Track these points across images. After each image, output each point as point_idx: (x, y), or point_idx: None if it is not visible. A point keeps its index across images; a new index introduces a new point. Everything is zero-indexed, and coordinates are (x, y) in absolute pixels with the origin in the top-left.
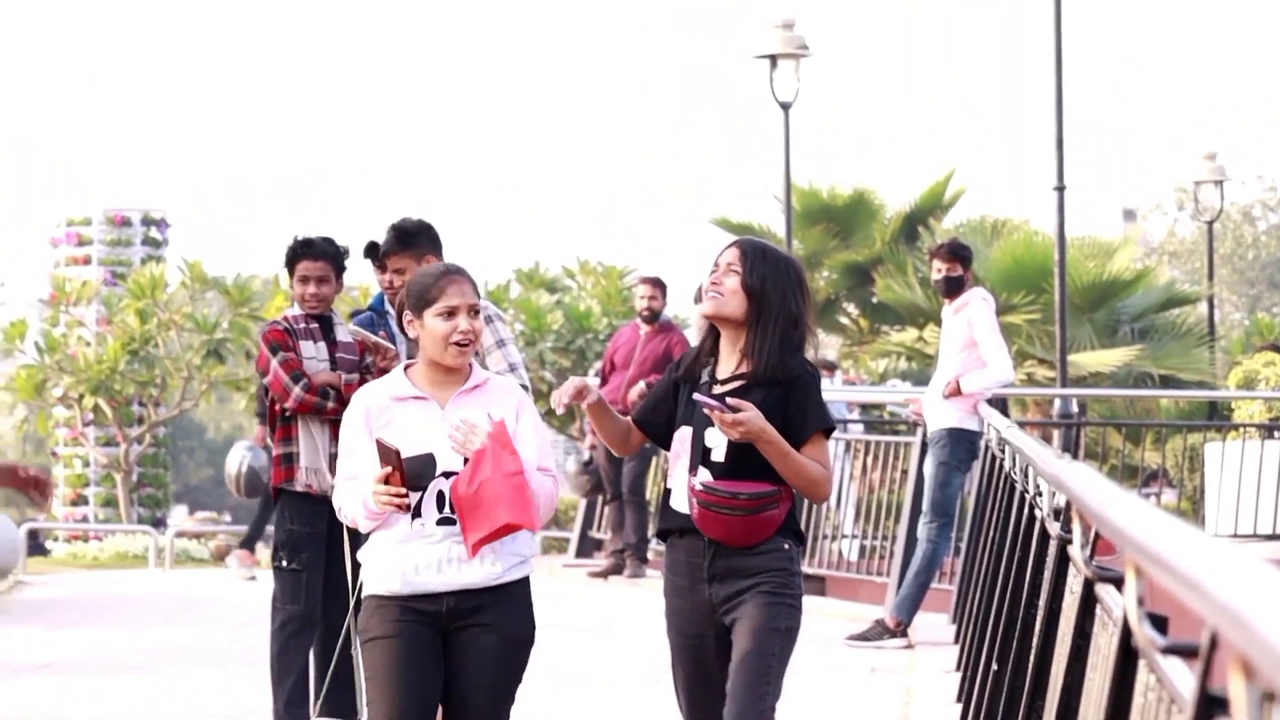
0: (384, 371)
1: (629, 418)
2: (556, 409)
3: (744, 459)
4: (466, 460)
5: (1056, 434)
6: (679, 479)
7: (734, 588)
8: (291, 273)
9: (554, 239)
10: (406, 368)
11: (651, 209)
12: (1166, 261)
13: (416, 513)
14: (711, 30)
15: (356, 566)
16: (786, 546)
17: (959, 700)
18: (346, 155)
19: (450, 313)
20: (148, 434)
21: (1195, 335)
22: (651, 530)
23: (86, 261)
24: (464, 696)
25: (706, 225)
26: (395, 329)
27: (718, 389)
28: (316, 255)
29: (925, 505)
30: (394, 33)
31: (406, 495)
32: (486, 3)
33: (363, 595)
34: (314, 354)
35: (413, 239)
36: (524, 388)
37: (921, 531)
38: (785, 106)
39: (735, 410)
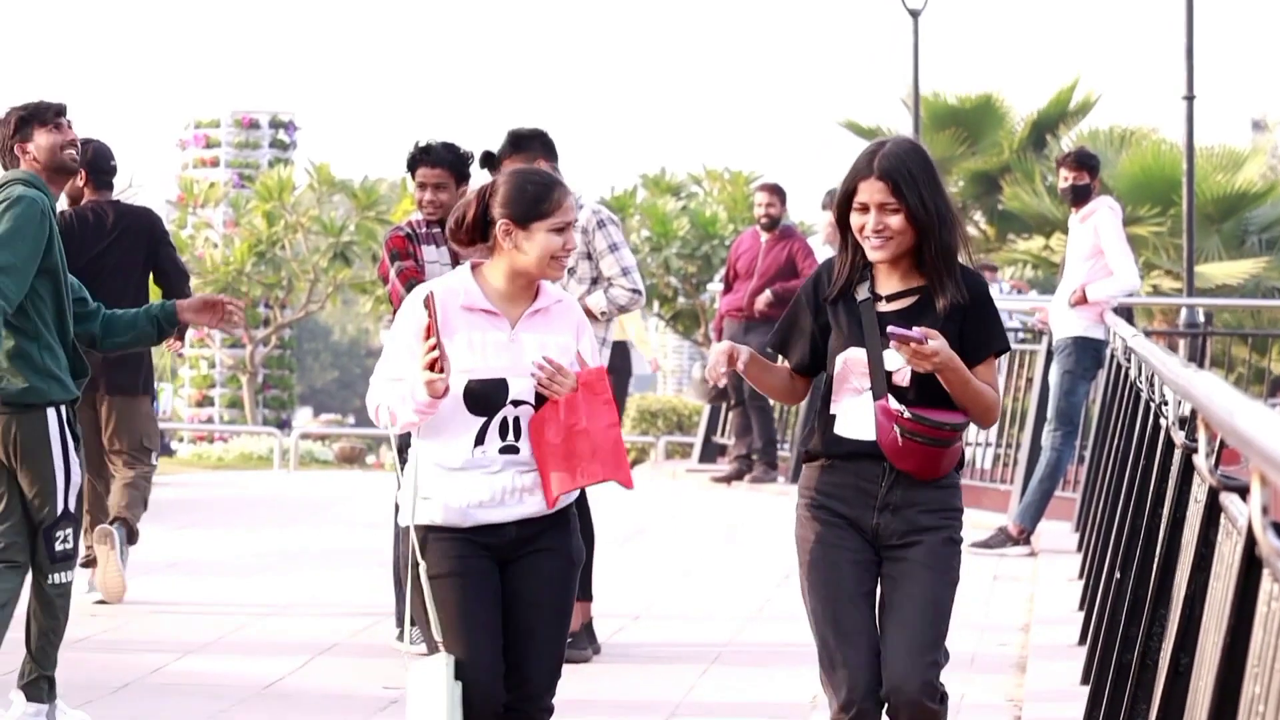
0: None
1: (783, 364)
2: (712, 381)
3: (928, 384)
4: (540, 396)
5: (1182, 343)
6: (853, 404)
7: (908, 523)
8: (412, 178)
9: (681, 144)
10: (475, 266)
11: (779, 114)
12: None
13: (479, 440)
14: None
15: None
16: (958, 480)
17: (1081, 608)
18: (476, 60)
19: (563, 227)
20: (273, 336)
21: None
22: (788, 448)
23: (214, 164)
24: (529, 622)
25: (835, 128)
26: None
27: (884, 306)
28: (434, 162)
29: (1050, 413)
30: None
31: (440, 353)
32: None
33: (415, 523)
34: (436, 258)
35: (526, 143)
36: (636, 291)
37: (1046, 439)
38: (914, 13)
39: (921, 341)
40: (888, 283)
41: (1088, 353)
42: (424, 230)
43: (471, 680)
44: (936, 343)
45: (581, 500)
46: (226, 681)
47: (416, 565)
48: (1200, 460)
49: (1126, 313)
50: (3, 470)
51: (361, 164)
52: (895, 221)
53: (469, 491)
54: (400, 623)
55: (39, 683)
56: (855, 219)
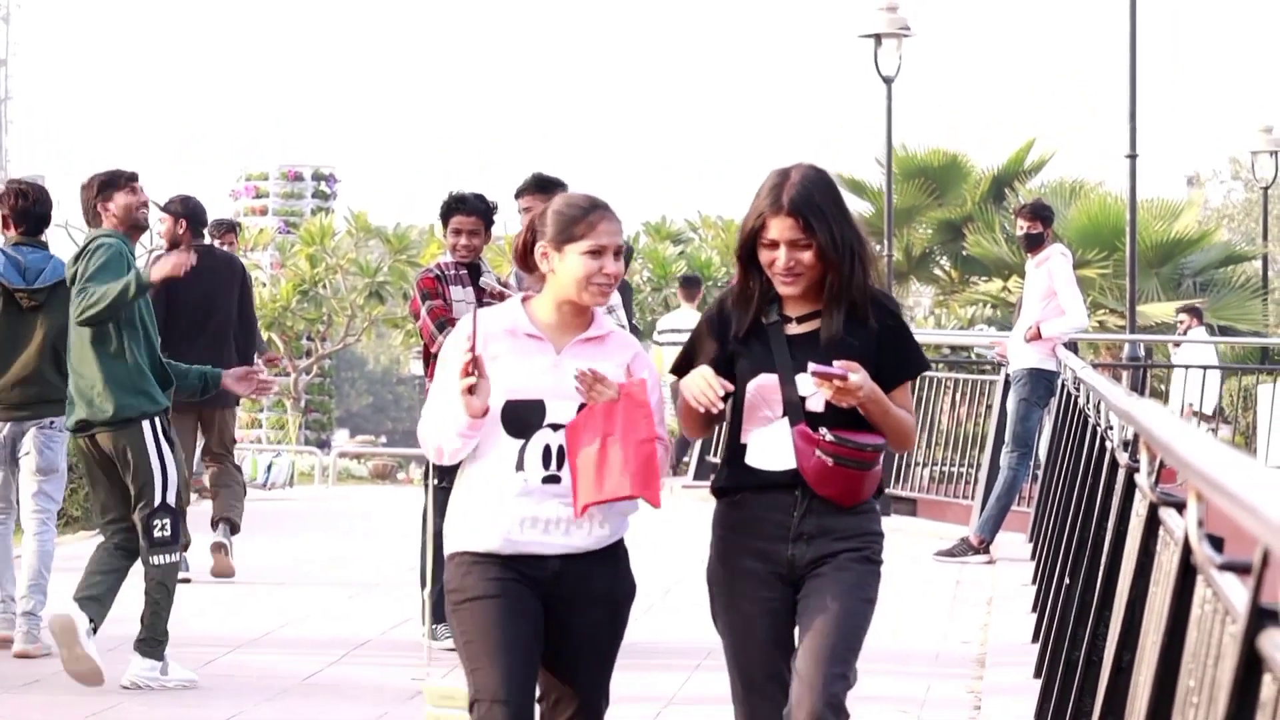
0: None
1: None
2: (716, 410)
3: (838, 409)
4: (581, 409)
5: (1125, 375)
6: (765, 433)
7: (824, 549)
8: (446, 225)
9: (679, 195)
10: (525, 299)
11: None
12: (1224, 225)
13: (519, 465)
14: (822, 10)
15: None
16: (877, 506)
17: (1034, 610)
18: (496, 117)
19: (598, 252)
20: (315, 365)
21: (1250, 289)
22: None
23: (263, 212)
24: (573, 666)
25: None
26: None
27: (794, 329)
28: (469, 210)
29: (1007, 436)
30: (541, 6)
31: (477, 372)
32: None
33: (449, 550)
34: (462, 297)
35: (549, 185)
36: (621, 327)
37: (1003, 460)
38: (888, 80)
39: (843, 375)
40: (796, 305)
41: (1041, 383)
42: (452, 272)
43: (502, 701)
44: (858, 377)
45: None
46: (271, 674)
47: (449, 591)
48: (1141, 479)
49: (1072, 346)
50: (116, 475)
51: (394, 213)
52: (807, 257)
53: (509, 518)
54: (425, 620)
55: (150, 642)
56: (764, 254)
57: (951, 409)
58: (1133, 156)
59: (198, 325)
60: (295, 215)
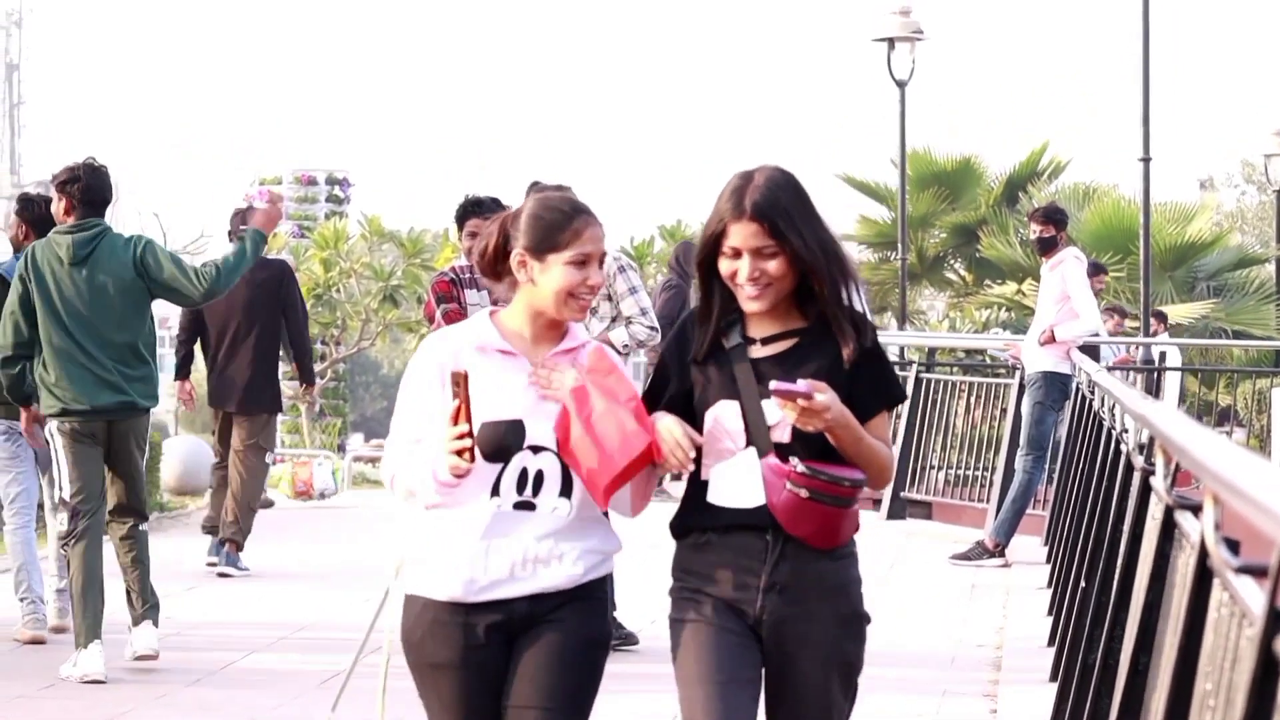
0: None
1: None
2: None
3: (808, 439)
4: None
5: (1139, 378)
6: (727, 467)
7: (798, 607)
8: (461, 228)
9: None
10: (493, 313)
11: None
12: (1237, 228)
13: (495, 491)
14: (835, 14)
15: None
16: (855, 549)
17: (1050, 613)
18: (506, 119)
19: (583, 261)
20: (329, 370)
21: (1263, 292)
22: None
23: None
24: (528, 704)
25: (833, 181)
26: None
27: (759, 351)
28: (485, 213)
29: (1022, 440)
30: (556, 6)
31: (472, 441)
32: None
33: (408, 587)
34: (478, 301)
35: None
36: (654, 329)
37: (1018, 463)
38: (901, 84)
39: (808, 394)
40: (761, 325)
41: (1056, 386)
42: (467, 275)
43: None
44: (826, 396)
45: None
46: (289, 676)
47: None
48: (1157, 482)
49: (1095, 350)
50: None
51: (408, 216)
52: (774, 266)
53: (476, 559)
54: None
55: (155, 608)
56: (725, 265)
57: (966, 412)
58: (1146, 160)
59: (250, 327)
60: (309, 219)
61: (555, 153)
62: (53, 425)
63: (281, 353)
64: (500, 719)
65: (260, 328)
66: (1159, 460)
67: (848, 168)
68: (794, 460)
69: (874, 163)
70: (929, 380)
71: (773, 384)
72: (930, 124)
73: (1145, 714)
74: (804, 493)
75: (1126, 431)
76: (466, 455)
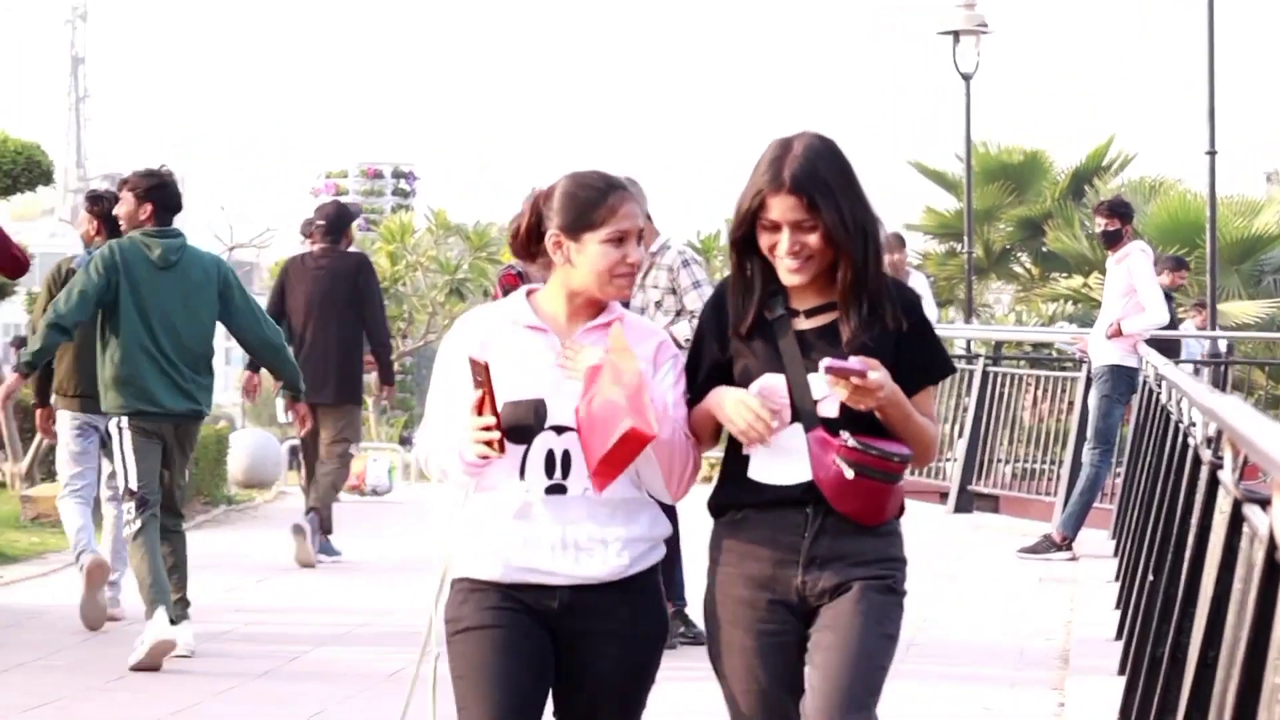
0: None
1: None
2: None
3: (855, 414)
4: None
5: (1206, 371)
6: (772, 441)
7: (839, 577)
8: None
9: None
10: (530, 292)
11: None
12: None
13: (521, 473)
14: (902, 7)
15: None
16: (899, 529)
17: (1117, 607)
18: (576, 113)
19: (620, 239)
20: (396, 363)
21: None
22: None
23: None
24: (587, 710)
25: (904, 168)
26: None
27: (802, 323)
28: None
29: (1089, 433)
30: (619, 10)
31: (499, 429)
32: None
33: (452, 574)
34: None
35: None
36: None
37: (1085, 456)
38: (966, 77)
39: (862, 372)
40: (804, 296)
41: (1123, 379)
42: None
43: None
44: (879, 374)
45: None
46: (357, 668)
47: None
48: (1225, 475)
49: (1164, 345)
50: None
51: (474, 210)
52: (813, 240)
53: (510, 541)
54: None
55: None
56: (765, 239)
57: (1033, 406)
58: (1212, 153)
59: (329, 324)
60: (375, 213)
61: (623, 146)
62: (121, 421)
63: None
64: (532, 694)
65: (339, 319)
66: (1227, 454)
67: (919, 154)
68: (844, 434)
69: (939, 156)
70: (996, 374)
71: (825, 361)
72: (996, 117)
73: (1214, 707)
74: (851, 471)
75: (1194, 425)
76: (496, 445)
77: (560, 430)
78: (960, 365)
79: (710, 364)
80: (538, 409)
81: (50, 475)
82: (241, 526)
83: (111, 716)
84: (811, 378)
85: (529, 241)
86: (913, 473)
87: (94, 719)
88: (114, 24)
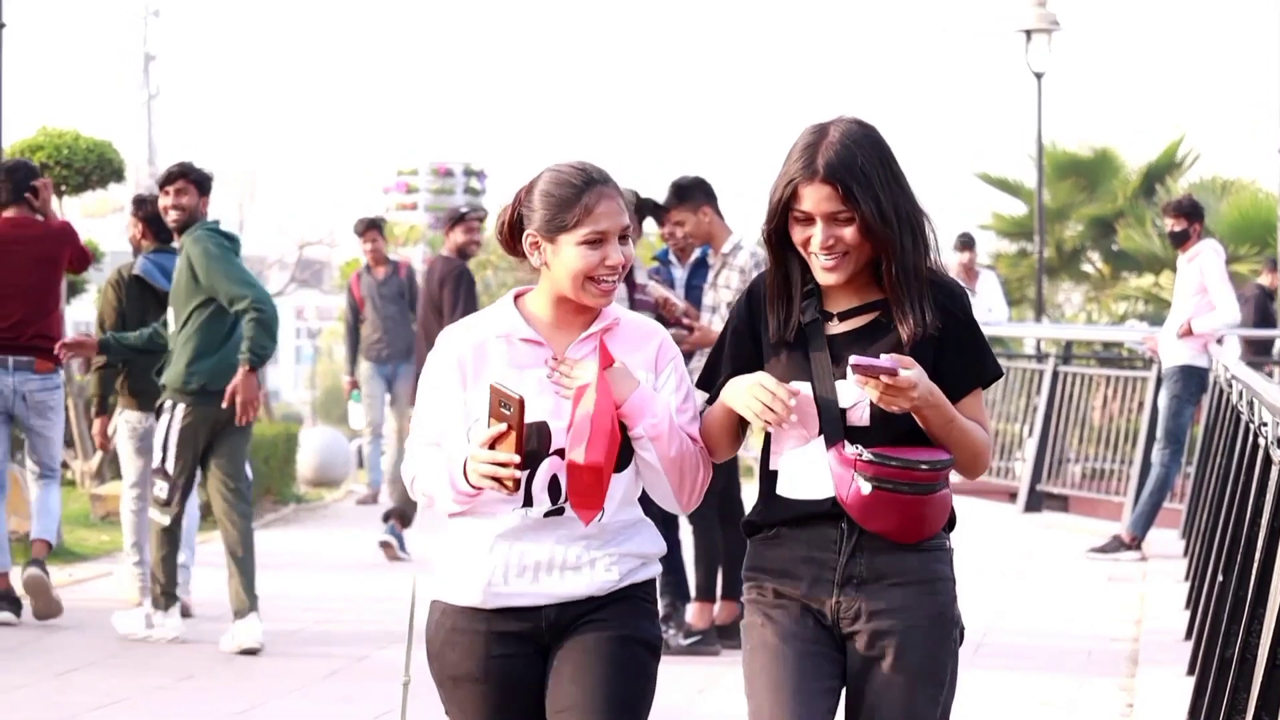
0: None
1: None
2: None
3: (891, 421)
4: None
5: (1277, 371)
6: (799, 455)
7: (878, 602)
8: None
9: None
10: (518, 296)
11: (917, 166)
12: None
13: (528, 500)
14: (972, 3)
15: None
16: (948, 544)
17: (1187, 607)
18: (646, 113)
19: (598, 240)
20: None
21: None
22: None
23: (414, 208)
24: (567, 705)
25: (969, 179)
26: (675, 277)
27: (836, 327)
28: None
29: (1159, 433)
30: (704, 6)
31: (521, 466)
32: None
33: (432, 592)
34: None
35: (688, 193)
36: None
37: (1155, 456)
38: (1038, 75)
39: (892, 370)
40: (839, 298)
41: (1193, 379)
42: None
43: None
44: (912, 373)
45: (732, 494)
46: (424, 670)
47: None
48: None
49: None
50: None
51: None
52: (850, 233)
53: (496, 561)
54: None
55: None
56: (798, 232)
57: (1103, 406)
58: None
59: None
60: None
61: (695, 147)
62: (180, 407)
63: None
64: None
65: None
66: None
67: (982, 161)
68: (857, 448)
69: (1009, 156)
70: (1066, 374)
71: (852, 359)
72: (1067, 115)
73: None
74: (870, 485)
75: (1265, 425)
76: (510, 483)
77: (563, 454)
78: (1031, 365)
79: (738, 365)
80: (541, 433)
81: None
82: (310, 525)
83: (179, 715)
84: (841, 386)
85: (512, 239)
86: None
87: (161, 717)
88: (186, 21)
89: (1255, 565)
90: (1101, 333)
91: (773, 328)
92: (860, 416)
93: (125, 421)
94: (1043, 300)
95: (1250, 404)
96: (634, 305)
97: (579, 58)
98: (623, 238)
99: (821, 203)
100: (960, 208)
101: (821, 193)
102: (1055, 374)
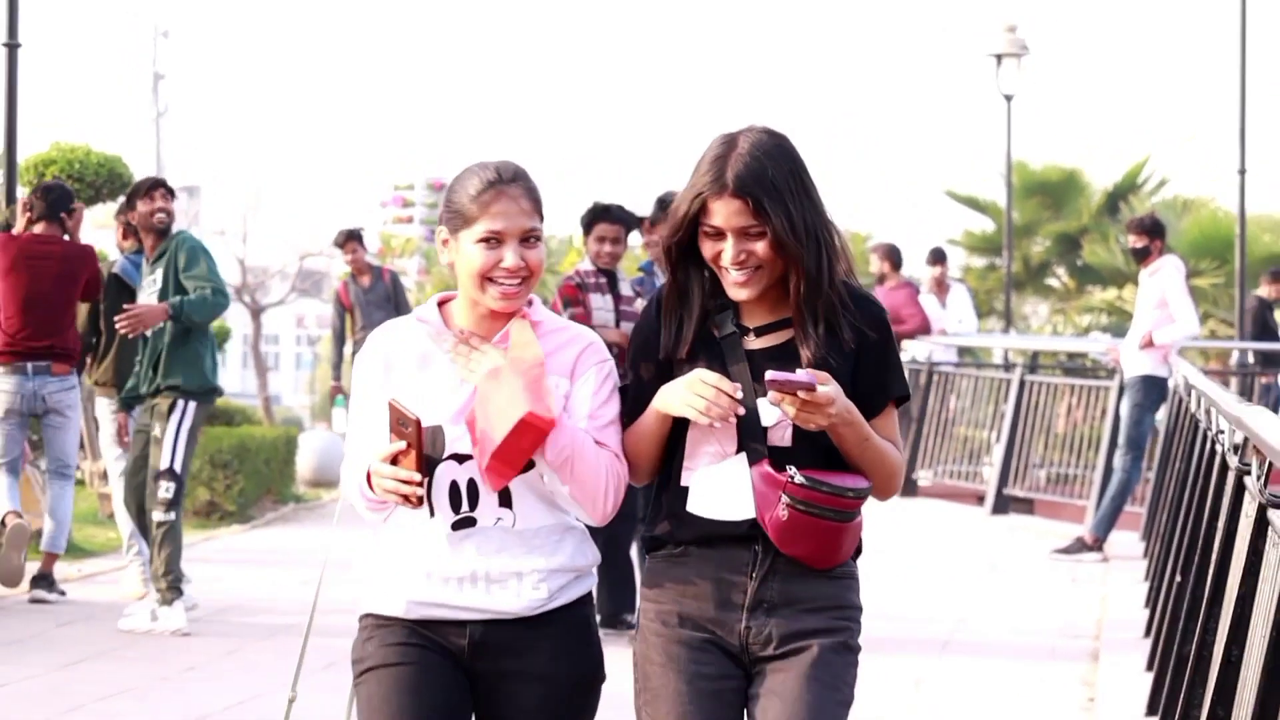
0: None
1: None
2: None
3: (809, 442)
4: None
5: (1234, 381)
6: (714, 473)
7: (788, 627)
8: (589, 232)
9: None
10: (443, 302)
11: (891, 182)
12: None
13: (430, 510)
14: (944, 28)
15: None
16: (857, 571)
17: (1146, 605)
18: (628, 136)
19: (493, 239)
20: None
21: None
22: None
23: (410, 221)
24: None
25: (939, 196)
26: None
27: (753, 342)
28: (614, 219)
29: (1120, 440)
30: (685, 27)
31: (422, 484)
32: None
33: (359, 609)
34: (602, 305)
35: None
36: None
37: (1117, 462)
38: (1008, 98)
39: (809, 384)
40: (755, 312)
41: (1154, 388)
42: (592, 280)
43: None
44: (830, 388)
45: None
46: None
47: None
48: (1251, 481)
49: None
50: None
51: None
52: (762, 248)
53: (415, 575)
54: None
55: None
56: (708, 247)
57: (1067, 413)
58: (1242, 172)
59: None
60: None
61: (686, 161)
62: (200, 410)
63: None
64: None
65: None
66: (1253, 461)
67: (954, 179)
68: (791, 470)
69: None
70: (1032, 383)
71: (769, 374)
72: (1035, 136)
73: (1237, 703)
74: (801, 507)
75: (1222, 433)
76: (414, 500)
77: (461, 459)
78: (999, 374)
79: (641, 392)
80: (434, 437)
81: None
82: (309, 523)
83: (185, 704)
84: (762, 403)
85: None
86: (951, 476)
87: (168, 707)
88: (194, 42)
89: (1211, 566)
90: (1066, 344)
91: (665, 345)
92: (782, 437)
93: (106, 407)
94: (1010, 312)
95: (1208, 412)
96: (620, 318)
97: (571, 77)
98: (528, 241)
99: (732, 217)
100: (932, 224)
101: (732, 207)
102: (1022, 383)
